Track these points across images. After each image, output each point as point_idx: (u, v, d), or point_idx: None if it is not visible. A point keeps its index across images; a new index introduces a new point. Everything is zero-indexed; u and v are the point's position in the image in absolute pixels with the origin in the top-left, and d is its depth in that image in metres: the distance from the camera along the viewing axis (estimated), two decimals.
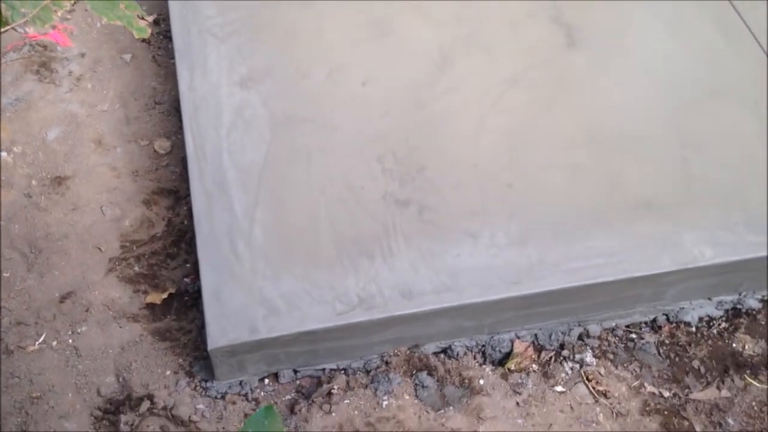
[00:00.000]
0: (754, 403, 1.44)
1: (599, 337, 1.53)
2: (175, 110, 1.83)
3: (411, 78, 1.74)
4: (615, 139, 1.65)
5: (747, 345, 1.52)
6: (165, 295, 1.54)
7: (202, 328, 1.39)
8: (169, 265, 1.59)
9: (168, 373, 1.44)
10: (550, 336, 1.55)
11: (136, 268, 1.58)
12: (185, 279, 1.57)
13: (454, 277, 1.46)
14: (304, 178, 1.57)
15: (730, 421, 1.42)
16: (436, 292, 1.44)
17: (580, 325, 1.55)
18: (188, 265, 1.59)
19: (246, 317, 1.38)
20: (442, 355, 1.50)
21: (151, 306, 1.53)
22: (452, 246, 1.49)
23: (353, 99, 1.71)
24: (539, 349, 1.52)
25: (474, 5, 1.86)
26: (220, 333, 1.36)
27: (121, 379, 1.43)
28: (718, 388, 1.46)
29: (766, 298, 1.59)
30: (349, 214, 1.53)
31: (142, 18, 0.98)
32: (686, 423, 1.42)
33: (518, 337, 1.53)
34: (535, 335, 1.55)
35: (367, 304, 1.42)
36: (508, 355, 1.51)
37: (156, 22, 2.06)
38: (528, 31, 1.82)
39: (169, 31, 1.92)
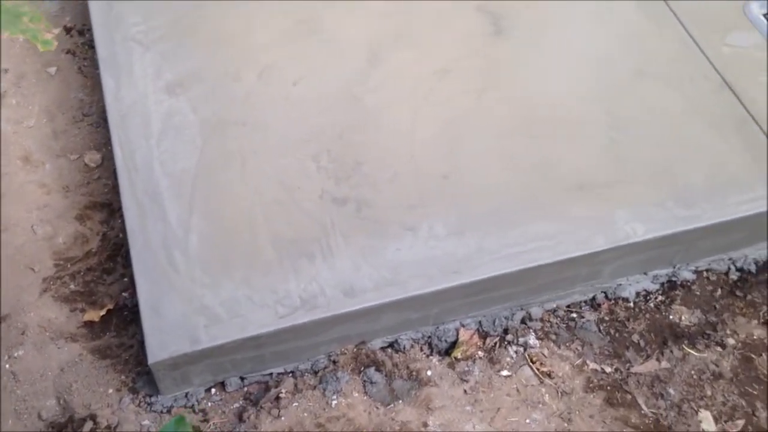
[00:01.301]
0: (693, 372, 1.49)
1: (541, 319, 1.56)
2: (103, 121, 1.79)
3: (342, 75, 1.73)
4: (546, 124, 1.67)
5: (683, 316, 1.57)
6: (103, 312, 1.51)
7: (142, 342, 1.37)
8: (105, 280, 1.56)
9: (110, 391, 1.42)
10: (493, 322, 1.57)
11: (72, 286, 1.54)
12: (123, 294, 1.54)
13: (395, 272, 1.46)
14: (238, 182, 1.55)
15: (671, 391, 1.47)
16: (378, 287, 1.44)
17: (522, 309, 1.58)
18: (126, 279, 1.55)
19: (186, 328, 1.36)
20: (389, 350, 1.51)
21: (89, 324, 1.50)
22: (392, 240, 1.50)
23: (285, 99, 1.69)
24: (484, 335, 1.54)
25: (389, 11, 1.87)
26: (160, 346, 1.33)
27: (62, 402, 1.40)
28: (657, 360, 1.51)
29: (699, 269, 1.64)
30: (287, 215, 1.52)
31: (48, 31, 0.96)
32: (629, 396, 1.46)
33: (463, 326, 1.55)
34: (480, 322, 1.57)
35: (310, 305, 1.42)
36: (454, 344, 1.53)
37: (80, 32, 2.01)
38: (455, 21, 1.83)
39: (93, 40, 1.88)
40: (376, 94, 1.70)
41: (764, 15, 1.82)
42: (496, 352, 1.51)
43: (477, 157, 1.62)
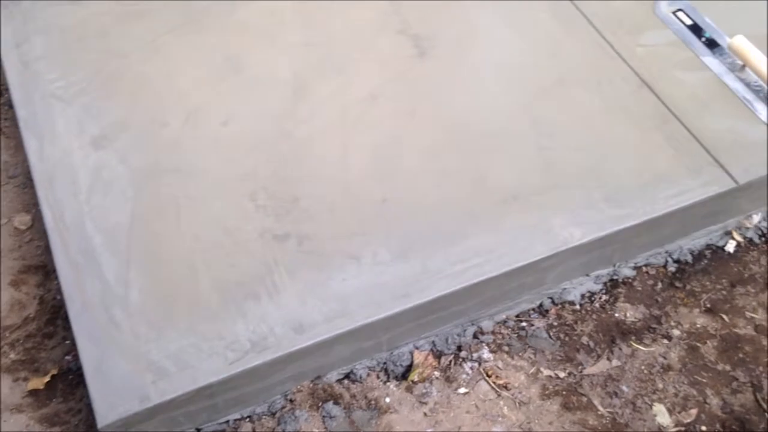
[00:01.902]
0: (643, 367, 1.52)
1: (493, 332, 1.58)
2: (30, 182, 1.74)
3: (270, 110, 1.73)
4: (476, 138, 1.70)
5: (628, 312, 1.61)
6: (47, 379, 1.46)
7: (90, 405, 1.33)
8: (47, 345, 1.51)
9: None
10: (446, 340, 1.58)
11: (12, 356, 1.49)
12: (66, 357, 1.50)
13: (343, 302, 1.46)
14: (175, 230, 1.53)
15: (624, 388, 1.50)
16: (327, 320, 1.44)
17: (473, 324, 1.59)
18: (68, 342, 1.51)
19: (134, 386, 1.32)
20: (345, 381, 1.50)
21: (34, 392, 1.45)
22: (337, 271, 1.49)
23: (216, 141, 1.68)
24: (438, 355, 1.55)
25: (322, 28, 1.88)
26: (108, 408, 1.30)
27: None
28: (608, 359, 1.54)
29: (638, 264, 1.68)
30: (228, 258, 1.50)
31: None
32: (584, 399, 1.48)
33: (417, 348, 1.55)
34: (433, 342, 1.57)
35: (260, 347, 1.40)
36: (409, 368, 1.53)
37: None
38: (378, 46, 1.85)
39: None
40: (306, 126, 1.70)
41: (673, 12, 1.89)
42: (451, 370, 1.52)
43: (412, 177, 1.64)
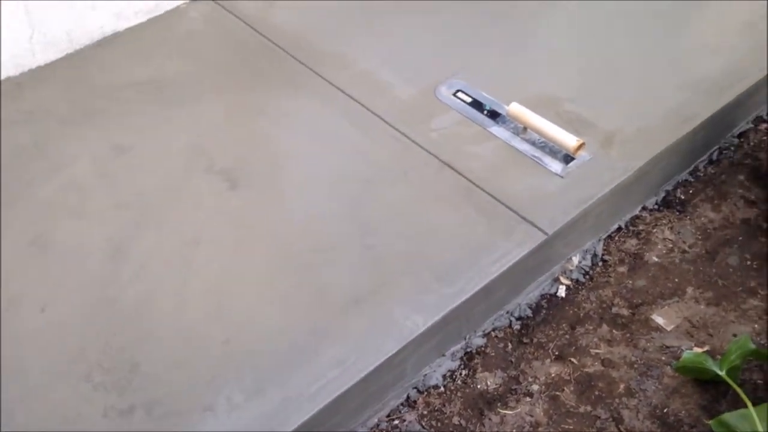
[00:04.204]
0: (514, 430, 1.56)
1: None
2: None
3: (91, 281, 1.67)
4: (307, 253, 1.73)
5: (488, 380, 1.66)
6: None
7: None
8: None
9: None
10: None
11: None
12: None
13: None
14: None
15: None
16: None
17: None
18: None
19: None
20: None
21: None
22: (195, 427, 1.44)
23: (37, 329, 1.59)
24: None
25: (129, 186, 1.87)
26: None
27: None
28: None
29: (486, 331, 1.75)
30: None
31: None
32: None
33: None
34: None
35: None
36: None
37: None
38: (189, 190, 1.86)
39: None
40: (132, 288, 1.66)
41: (454, 94, 2.06)
42: None
43: (252, 308, 1.63)
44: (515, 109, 1.93)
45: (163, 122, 2.01)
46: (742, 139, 2.13)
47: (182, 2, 2.34)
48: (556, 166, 1.86)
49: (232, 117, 2.03)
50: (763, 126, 2.16)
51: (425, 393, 1.65)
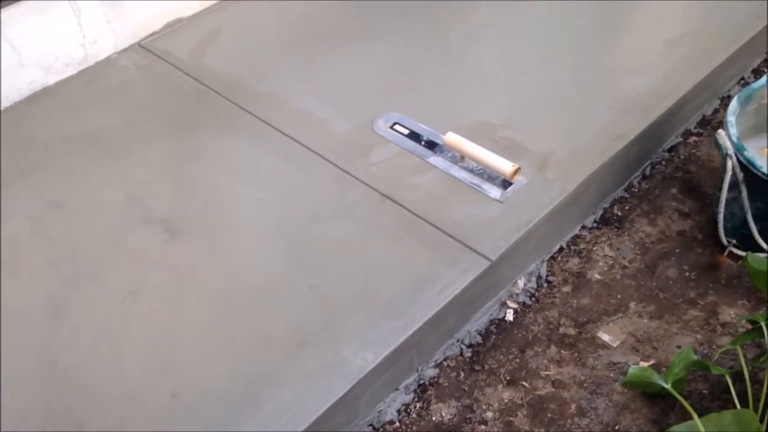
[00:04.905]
0: None
1: None
2: None
3: (30, 343, 1.62)
4: (251, 298, 1.71)
5: (443, 411, 1.65)
6: None
7: None
8: None
9: None
10: None
11: None
12: None
13: None
14: None
15: None
16: None
17: None
18: None
19: None
20: None
21: None
22: None
23: None
24: None
25: (65, 243, 1.82)
26: None
27: None
28: None
29: (438, 361, 1.75)
30: None
31: None
32: None
33: None
34: None
35: None
36: None
37: None
38: (127, 243, 1.82)
39: None
40: (72, 349, 1.61)
41: (391, 127, 2.08)
42: None
43: (198, 358, 1.60)
44: (451, 138, 1.96)
45: (98, 175, 1.98)
46: (672, 153, 2.20)
47: (113, 52, 2.33)
48: (494, 192, 1.89)
49: (168, 164, 2.01)
50: (692, 139, 2.24)
51: (381, 430, 1.63)
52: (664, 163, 2.17)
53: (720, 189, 1.84)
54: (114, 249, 1.81)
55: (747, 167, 1.79)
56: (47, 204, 1.92)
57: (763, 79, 1.97)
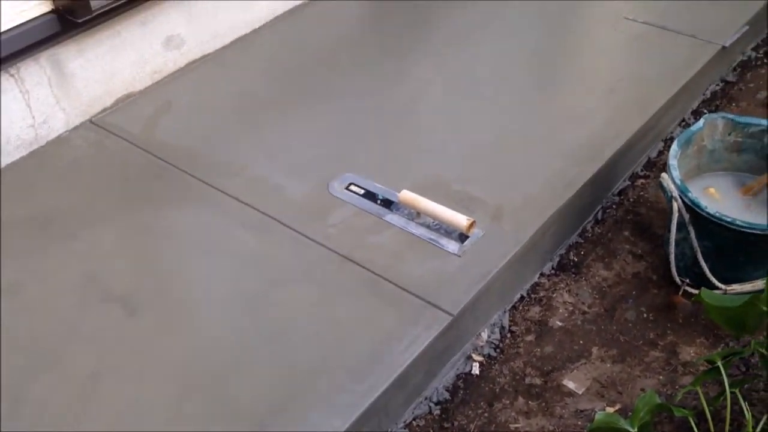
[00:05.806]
0: None
1: None
2: None
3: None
4: (215, 370, 1.68)
5: None
6: None
7: None
8: None
9: None
10: None
11: None
12: None
13: None
14: None
15: None
16: None
17: None
18: None
19: None
20: None
21: None
22: None
23: None
24: None
25: (20, 325, 1.78)
26: None
27: None
28: None
29: (408, 421, 1.74)
30: None
31: None
32: None
33: None
34: None
35: None
36: None
37: None
38: (86, 323, 1.79)
39: None
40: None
41: (346, 188, 2.10)
42: None
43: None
44: (406, 196, 1.99)
45: (53, 257, 1.96)
46: (622, 197, 2.26)
47: (64, 131, 2.32)
48: (452, 246, 1.91)
49: (125, 241, 2.00)
50: (639, 182, 2.31)
51: None
52: (614, 206, 2.23)
53: (669, 230, 1.90)
54: (72, 331, 1.78)
55: (692, 208, 1.85)
56: (2, 290, 1.88)
57: (701, 122, 2.05)
